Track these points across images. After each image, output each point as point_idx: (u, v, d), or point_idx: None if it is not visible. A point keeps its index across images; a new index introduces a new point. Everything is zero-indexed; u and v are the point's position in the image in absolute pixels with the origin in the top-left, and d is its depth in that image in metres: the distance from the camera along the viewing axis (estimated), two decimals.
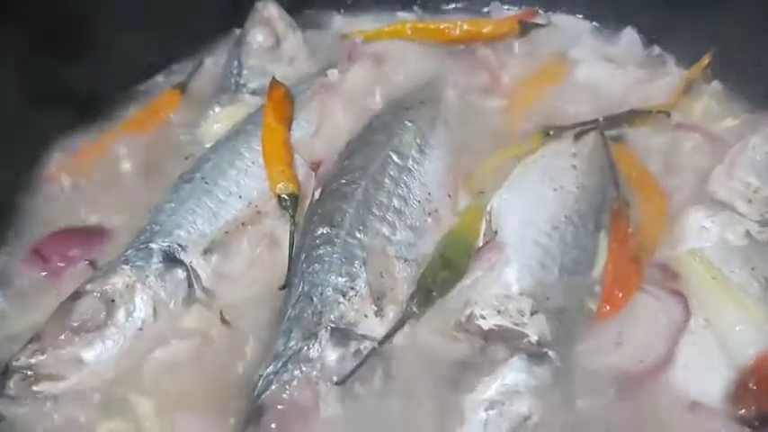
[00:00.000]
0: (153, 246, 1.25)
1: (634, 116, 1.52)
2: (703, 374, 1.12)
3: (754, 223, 1.30)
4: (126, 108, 1.62)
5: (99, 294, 1.18)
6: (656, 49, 1.71)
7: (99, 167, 1.49)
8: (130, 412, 1.12)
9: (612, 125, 1.49)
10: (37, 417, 1.11)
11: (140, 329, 1.18)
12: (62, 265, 1.31)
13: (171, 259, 1.24)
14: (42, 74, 1.44)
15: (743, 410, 1.07)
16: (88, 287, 1.19)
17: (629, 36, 1.72)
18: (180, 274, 1.23)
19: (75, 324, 1.15)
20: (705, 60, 1.62)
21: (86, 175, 1.48)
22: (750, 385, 1.07)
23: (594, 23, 1.78)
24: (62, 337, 1.15)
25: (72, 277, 1.27)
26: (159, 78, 1.70)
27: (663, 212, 1.36)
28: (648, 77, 1.65)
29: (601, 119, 1.48)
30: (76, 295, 1.19)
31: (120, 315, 1.17)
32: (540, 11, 1.80)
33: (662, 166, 1.45)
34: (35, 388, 1.12)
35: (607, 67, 1.67)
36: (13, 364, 1.13)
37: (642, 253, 1.27)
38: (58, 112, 1.51)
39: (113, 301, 1.18)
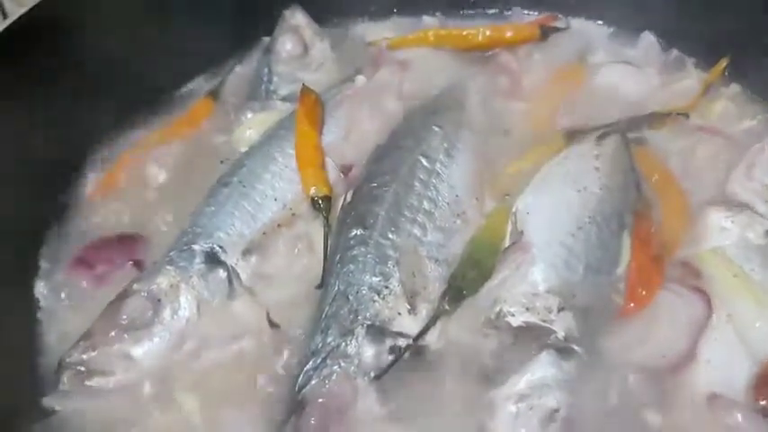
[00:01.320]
0: (195, 247, 1.30)
1: (654, 118, 1.56)
2: (725, 368, 1.16)
3: None
4: (160, 117, 1.67)
5: (146, 294, 1.23)
6: (675, 53, 1.74)
7: (137, 175, 1.54)
8: (177, 408, 1.17)
9: (633, 127, 1.53)
10: (89, 411, 1.16)
11: (185, 327, 1.23)
12: (106, 269, 1.37)
13: (212, 260, 1.29)
14: (77, 86, 1.50)
15: (764, 402, 1.10)
16: (135, 287, 1.25)
17: (648, 40, 1.75)
18: (221, 273, 1.28)
19: (123, 322, 1.21)
20: (723, 63, 1.66)
21: (125, 183, 1.54)
22: None
23: (613, 28, 1.81)
24: (112, 334, 1.20)
25: (117, 280, 1.32)
26: (192, 87, 1.75)
27: (684, 212, 1.39)
28: (668, 80, 1.69)
29: (621, 121, 1.53)
30: (124, 294, 1.24)
31: (166, 313, 1.23)
32: (560, 15, 1.84)
33: (682, 167, 1.48)
34: (87, 383, 1.18)
35: (626, 70, 1.70)
36: (66, 360, 1.19)
37: (664, 252, 1.31)
38: (95, 124, 1.56)
39: (159, 300, 1.23)
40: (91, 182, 1.53)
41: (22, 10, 1.44)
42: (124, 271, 1.36)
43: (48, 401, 1.17)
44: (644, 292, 1.24)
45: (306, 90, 1.56)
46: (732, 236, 1.31)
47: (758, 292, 1.21)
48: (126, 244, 1.41)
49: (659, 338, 1.19)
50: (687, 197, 1.42)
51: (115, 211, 1.48)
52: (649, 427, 1.11)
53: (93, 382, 1.18)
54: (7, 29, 1.40)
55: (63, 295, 1.35)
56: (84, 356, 1.19)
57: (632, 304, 1.24)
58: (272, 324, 1.25)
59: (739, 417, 1.10)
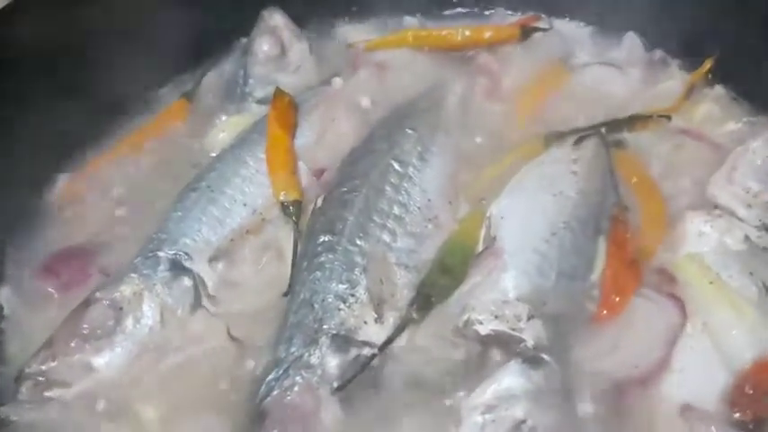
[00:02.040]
0: (160, 254, 1.28)
1: (635, 121, 1.52)
2: (699, 378, 1.13)
3: (753, 228, 1.29)
4: (133, 122, 1.64)
5: (108, 302, 1.21)
6: (659, 54, 1.70)
7: (106, 182, 1.52)
8: (135, 419, 1.15)
9: (613, 130, 1.50)
10: (46, 421, 1.14)
11: (148, 336, 1.21)
12: (72, 278, 1.34)
13: (178, 267, 1.27)
14: (50, 90, 1.47)
15: (738, 414, 1.07)
16: (98, 295, 1.23)
17: (631, 40, 1.72)
18: (186, 281, 1.26)
19: (84, 331, 1.18)
20: (707, 65, 1.62)
21: (93, 190, 1.51)
22: (746, 389, 1.08)
23: (596, 28, 1.78)
24: (72, 344, 1.18)
25: (84, 289, 1.30)
26: (167, 89, 1.72)
27: (662, 217, 1.37)
28: (651, 82, 1.66)
29: (601, 124, 1.50)
30: (86, 303, 1.22)
31: (129, 322, 1.20)
32: (543, 15, 1.81)
33: (662, 171, 1.45)
34: (46, 393, 1.16)
35: (609, 71, 1.67)
36: (26, 370, 1.16)
37: (641, 257, 1.28)
38: (69, 127, 1.53)
39: (122, 308, 1.21)
40: (59, 188, 1.51)
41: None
42: (91, 279, 1.33)
43: (4, 411, 1.15)
44: (618, 299, 1.22)
45: (279, 92, 1.54)
46: (711, 241, 1.28)
47: (735, 299, 1.18)
48: (93, 252, 1.38)
49: (632, 347, 1.17)
50: (666, 202, 1.39)
51: (83, 219, 1.45)
52: None
53: (53, 392, 1.16)
54: None
55: (28, 303, 1.33)
56: (44, 367, 1.16)
57: (605, 311, 1.21)
58: (233, 338, 1.22)
59: (713, 430, 1.06)
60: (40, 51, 1.47)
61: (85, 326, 1.19)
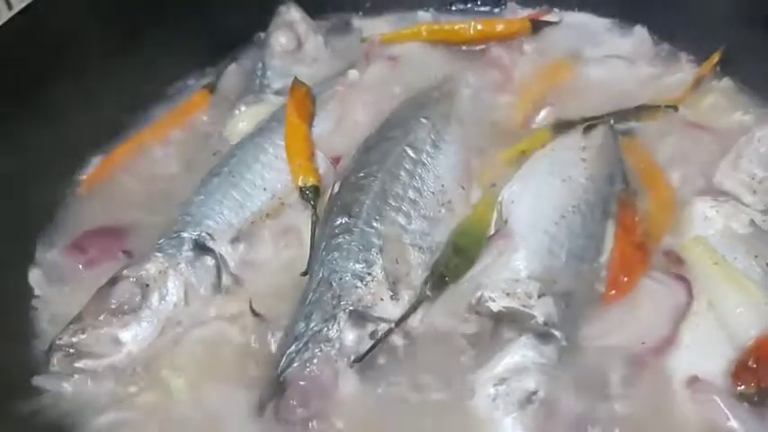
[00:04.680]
0: (184, 235, 1.33)
1: (642, 111, 1.56)
2: (705, 354, 1.16)
3: (758, 213, 1.33)
4: (160, 109, 1.71)
5: (134, 279, 1.26)
6: (667, 47, 1.74)
7: (131, 169, 1.58)
8: (164, 387, 1.20)
9: (621, 120, 1.54)
10: (79, 390, 1.20)
11: (173, 312, 1.26)
12: (98, 256, 1.40)
13: (201, 247, 1.32)
14: (85, 79, 1.54)
15: (743, 387, 1.11)
16: (124, 273, 1.28)
17: (640, 34, 1.76)
18: (209, 261, 1.31)
19: (113, 306, 1.24)
20: (716, 57, 1.65)
21: (119, 177, 1.57)
22: (750, 364, 1.11)
23: (606, 21, 1.81)
24: (101, 318, 1.23)
25: (108, 268, 1.35)
26: (190, 81, 1.79)
27: (670, 203, 1.40)
28: (659, 74, 1.69)
29: (609, 114, 1.53)
30: (114, 280, 1.27)
31: (154, 298, 1.26)
32: (554, 9, 1.85)
33: (670, 158, 1.48)
34: (77, 365, 1.21)
35: (618, 64, 1.71)
36: (57, 342, 1.22)
37: (648, 240, 1.32)
38: (99, 115, 1.60)
39: (148, 285, 1.26)
40: (86, 175, 1.57)
41: (23, 4, 1.48)
42: (115, 259, 1.38)
43: (38, 381, 1.20)
44: (626, 279, 1.25)
45: (297, 83, 1.59)
46: (716, 225, 1.31)
47: (740, 278, 1.21)
48: (118, 234, 1.44)
49: (639, 324, 1.20)
50: (674, 189, 1.43)
51: (108, 204, 1.51)
52: (627, 408, 1.12)
53: (83, 363, 1.21)
54: (10, 21, 1.43)
55: (56, 282, 1.38)
56: (74, 339, 1.22)
57: (614, 291, 1.25)
58: (255, 313, 1.27)
59: (718, 400, 1.10)
60: (65, 47, 1.53)
61: (113, 301, 1.24)
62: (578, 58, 1.73)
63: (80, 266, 1.38)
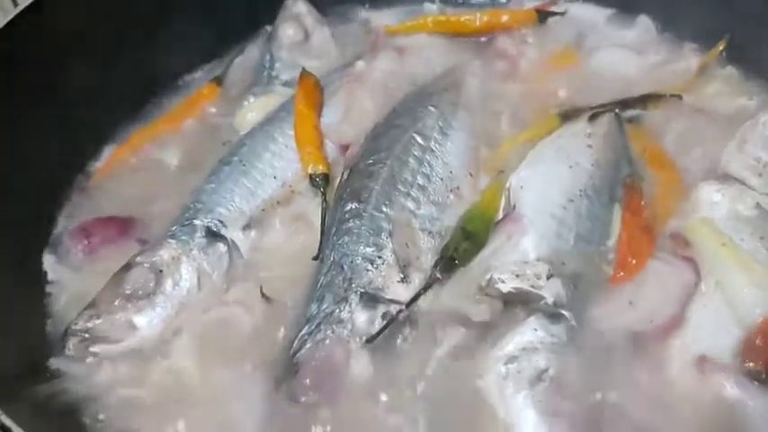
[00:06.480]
0: (196, 222, 1.35)
1: (647, 99, 1.57)
2: (713, 333, 1.17)
3: (763, 195, 1.34)
4: (170, 100, 1.73)
5: (148, 265, 1.28)
6: (672, 36, 1.75)
7: (142, 158, 1.60)
8: (176, 370, 1.22)
9: (626, 108, 1.55)
10: (94, 373, 1.22)
11: (186, 298, 1.28)
12: (100, 241, 1.41)
13: (213, 234, 1.34)
14: (98, 72, 1.57)
15: (750, 365, 1.12)
16: (138, 259, 1.30)
17: (644, 23, 1.77)
18: (221, 247, 1.33)
19: (127, 292, 1.25)
20: (720, 45, 1.67)
21: (131, 166, 1.60)
22: (757, 342, 1.13)
23: (610, 11, 1.83)
24: (115, 303, 1.25)
25: (121, 255, 1.36)
26: (199, 73, 1.81)
27: (676, 189, 1.41)
28: (664, 64, 1.71)
29: (614, 102, 1.54)
30: (128, 266, 1.29)
31: (168, 284, 1.27)
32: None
33: (675, 144, 1.50)
34: (92, 349, 1.23)
35: (623, 53, 1.72)
36: (72, 327, 1.24)
37: (655, 223, 1.33)
38: (111, 106, 1.63)
39: (161, 271, 1.28)
40: (99, 165, 1.59)
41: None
42: (128, 246, 1.39)
43: (54, 363, 1.22)
44: (634, 261, 1.26)
45: (305, 73, 1.61)
46: (722, 208, 1.33)
47: (747, 258, 1.23)
48: (130, 222, 1.45)
49: (648, 304, 1.21)
50: (680, 174, 1.44)
51: (121, 193, 1.53)
52: (636, 386, 1.14)
53: (97, 348, 1.23)
54: (19, 16, 1.46)
55: (68, 266, 1.40)
56: (89, 324, 1.24)
57: (622, 273, 1.26)
58: (266, 298, 1.28)
59: (726, 377, 1.11)
60: (75, 39, 1.55)
61: (128, 287, 1.26)
62: (583, 48, 1.75)
63: (80, 252, 1.39)
